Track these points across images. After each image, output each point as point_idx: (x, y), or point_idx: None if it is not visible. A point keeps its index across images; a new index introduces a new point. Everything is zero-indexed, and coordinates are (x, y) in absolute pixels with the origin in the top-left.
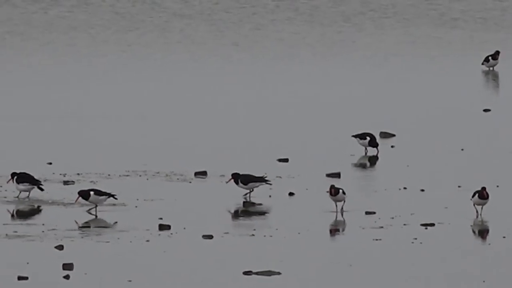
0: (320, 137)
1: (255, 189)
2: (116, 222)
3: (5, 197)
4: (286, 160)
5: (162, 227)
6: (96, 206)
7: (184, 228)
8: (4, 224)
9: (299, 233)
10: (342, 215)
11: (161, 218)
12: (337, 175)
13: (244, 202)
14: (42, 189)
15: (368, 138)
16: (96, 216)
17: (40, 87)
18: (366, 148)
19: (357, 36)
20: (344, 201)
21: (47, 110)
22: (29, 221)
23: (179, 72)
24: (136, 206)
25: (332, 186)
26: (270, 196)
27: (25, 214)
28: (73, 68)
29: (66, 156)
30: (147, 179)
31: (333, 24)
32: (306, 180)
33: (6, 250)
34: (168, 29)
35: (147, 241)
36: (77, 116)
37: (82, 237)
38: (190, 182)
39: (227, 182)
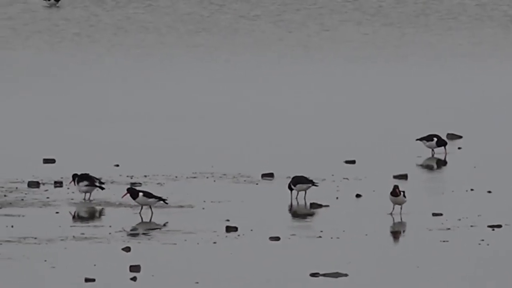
0: (387, 139)
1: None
2: (167, 223)
3: (72, 199)
4: (353, 162)
5: (229, 229)
6: (142, 208)
7: (251, 230)
8: (71, 226)
9: (366, 234)
10: (401, 218)
11: (228, 220)
12: (404, 176)
13: (311, 203)
14: (103, 188)
15: (435, 139)
16: (142, 219)
17: (108, 88)
18: (433, 150)
19: (423, 36)
20: (401, 206)
21: (115, 112)
22: (96, 223)
23: (246, 73)
24: (203, 208)
25: (396, 186)
26: (337, 198)
27: (92, 216)
28: (140, 70)
29: (133, 158)
30: (214, 181)
31: (399, 24)
32: (373, 182)
33: (73, 252)
34: (235, 31)
35: (214, 243)
36: (144, 117)
37: (149, 239)
38: (257, 184)
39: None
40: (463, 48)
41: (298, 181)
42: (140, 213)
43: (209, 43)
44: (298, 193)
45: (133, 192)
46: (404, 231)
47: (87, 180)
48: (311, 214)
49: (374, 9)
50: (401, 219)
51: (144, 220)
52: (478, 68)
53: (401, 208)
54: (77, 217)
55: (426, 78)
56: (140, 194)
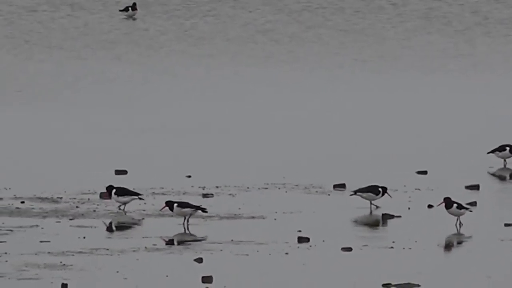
0: (459, 149)
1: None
2: (206, 236)
3: (144, 210)
4: (425, 173)
5: (301, 240)
6: (185, 217)
7: (323, 241)
8: (143, 237)
9: (438, 245)
10: (459, 230)
11: (300, 231)
12: (476, 187)
13: (383, 214)
14: (142, 199)
15: (508, 148)
16: (185, 230)
17: (180, 100)
18: (505, 160)
19: (491, 45)
20: (459, 218)
21: (187, 123)
22: (168, 234)
23: (315, 84)
24: (275, 219)
25: (446, 198)
26: (409, 208)
27: (164, 227)
28: (212, 81)
29: (205, 169)
30: (286, 191)
31: (466, 31)
32: (445, 193)
33: (145, 263)
34: (304, 40)
35: (286, 253)
36: (216, 129)
37: (221, 250)
38: (329, 195)
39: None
40: None
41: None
42: (183, 224)
43: (277, 53)
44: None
45: (169, 204)
46: (471, 242)
47: (126, 192)
48: (383, 225)
49: (444, 17)
50: (458, 231)
51: (206, 231)
52: None
53: (457, 220)
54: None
55: (494, 87)
56: (175, 205)
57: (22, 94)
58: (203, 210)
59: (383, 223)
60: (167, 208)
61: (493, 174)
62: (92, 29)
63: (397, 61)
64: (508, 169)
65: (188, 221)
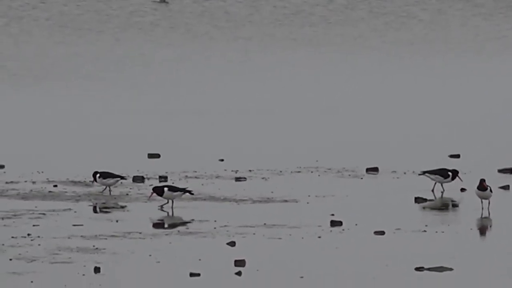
0: (491, 133)
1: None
2: (193, 220)
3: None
4: (457, 156)
5: (334, 223)
6: (172, 202)
7: (356, 224)
8: (175, 221)
9: (471, 229)
10: (488, 214)
11: (332, 214)
12: (509, 170)
13: (416, 198)
14: (125, 178)
15: None
16: (172, 213)
17: (213, 82)
18: None
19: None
20: (489, 202)
21: (219, 106)
22: (201, 218)
23: (345, 67)
24: (307, 203)
25: (483, 180)
26: (442, 191)
27: (197, 210)
28: (244, 64)
29: (237, 153)
30: (319, 175)
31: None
32: (478, 176)
33: (178, 246)
34: (336, 23)
35: (319, 237)
36: (249, 112)
37: (254, 233)
38: (362, 178)
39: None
40: None
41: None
42: (172, 207)
43: (312, 35)
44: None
45: (158, 190)
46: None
47: (109, 175)
48: (416, 208)
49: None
50: (488, 214)
51: (239, 215)
52: None
53: (488, 203)
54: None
55: None
56: (165, 189)
57: (55, 76)
58: (190, 192)
59: (416, 207)
60: (155, 194)
61: None
62: (126, 13)
63: (429, 45)
64: None
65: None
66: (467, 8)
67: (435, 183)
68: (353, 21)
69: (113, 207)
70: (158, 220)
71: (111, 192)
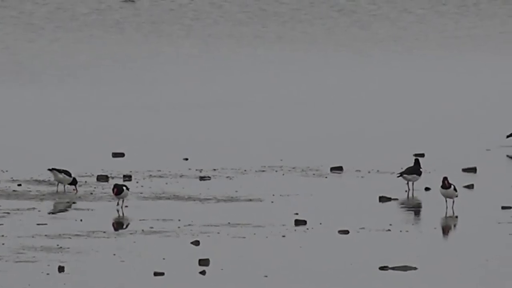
0: (456, 132)
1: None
2: (203, 219)
3: (141, 193)
4: (422, 155)
5: (298, 223)
6: (123, 201)
7: (320, 223)
8: (140, 220)
9: (435, 228)
10: (453, 213)
11: (297, 214)
12: (473, 170)
13: (380, 197)
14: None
15: None
16: (122, 213)
17: (177, 81)
18: None
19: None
20: (454, 201)
21: (184, 104)
22: (165, 217)
23: (316, 65)
24: (272, 202)
25: (445, 178)
26: (406, 191)
27: (161, 210)
28: (218, 60)
29: (202, 152)
30: (283, 174)
31: (482, 13)
32: (442, 175)
33: (142, 245)
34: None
35: (283, 236)
36: (213, 110)
37: (218, 233)
38: (326, 177)
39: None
40: None
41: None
42: (122, 207)
43: (272, 33)
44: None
45: (119, 188)
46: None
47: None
48: (380, 207)
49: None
50: (453, 213)
51: (203, 214)
52: None
53: (453, 202)
54: (146, 211)
55: (493, 69)
56: (124, 188)
57: (19, 75)
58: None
59: (380, 206)
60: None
61: (490, 157)
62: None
63: (397, 43)
64: (506, 151)
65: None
66: (430, 7)
67: (412, 183)
68: (320, 18)
69: (78, 206)
70: (122, 219)
71: (76, 191)
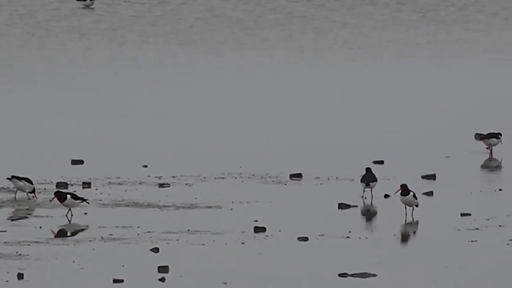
0: (415, 139)
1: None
2: (162, 226)
3: (101, 200)
4: (381, 162)
5: (258, 229)
6: (70, 209)
7: (280, 230)
8: (99, 227)
9: (394, 234)
10: (412, 220)
11: (256, 221)
12: (432, 177)
13: (339, 204)
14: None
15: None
16: (70, 221)
17: (137, 88)
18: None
19: (455, 34)
20: (414, 208)
21: (144, 112)
22: (124, 224)
23: (275, 71)
24: (231, 209)
25: (403, 185)
26: (365, 198)
27: (121, 217)
28: (179, 68)
29: (161, 159)
30: (243, 181)
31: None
32: (401, 182)
33: (101, 253)
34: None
35: (242, 243)
36: (173, 117)
37: (177, 240)
38: (285, 184)
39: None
40: (487, 45)
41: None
42: (67, 215)
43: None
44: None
45: (61, 195)
46: (428, 231)
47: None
48: (340, 214)
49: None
50: (412, 219)
51: (162, 221)
52: (502, 65)
53: (412, 209)
54: (106, 219)
55: (452, 77)
56: (68, 196)
57: None
58: (86, 201)
59: (339, 213)
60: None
61: (450, 164)
62: (50, 17)
63: (359, 49)
64: (465, 158)
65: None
66: (390, 13)
67: (371, 190)
68: (280, 24)
69: (37, 213)
70: (82, 226)
71: (35, 199)
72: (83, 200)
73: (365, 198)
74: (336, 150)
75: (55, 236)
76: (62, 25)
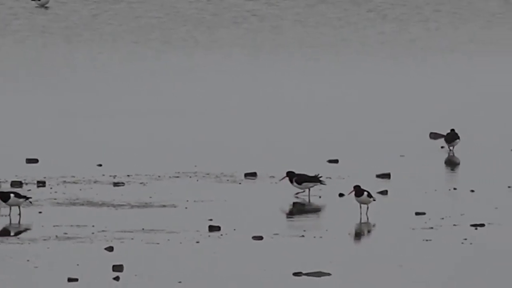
0: (370, 138)
1: (308, 189)
2: (117, 225)
3: (55, 199)
4: (336, 161)
5: (212, 228)
6: (19, 207)
7: (234, 229)
8: (54, 226)
9: (349, 234)
10: (367, 219)
11: (211, 220)
12: (387, 176)
13: (294, 203)
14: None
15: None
16: (19, 221)
17: (91, 86)
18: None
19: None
20: (368, 207)
21: (98, 110)
22: (79, 223)
23: (228, 71)
24: (186, 208)
25: (356, 186)
26: (320, 197)
27: (75, 215)
28: (135, 66)
29: (116, 158)
30: (197, 180)
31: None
32: (356, 181)
33: (56, 251)
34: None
35: (197, 242)
36: (127, 116)
37: (132, 239)
38: (240, 183)
39: (280, 180)
40: (447, 44)
41: (305, 179)
42: (10, 214)
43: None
44: (303, 191)
45: (3, 195)
46: (385, 230)
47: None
48: (294, 213)
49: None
50: (366, 218)
51: (117, 220)
52: (460, 65)
53: (367, 208)
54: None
55: (408, 76)
56: (12, 195)
57: None
58: (30, 200)
59: (294, 212)
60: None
61: (405, 163)
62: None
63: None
64: (420, 157)
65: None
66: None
67: (367, 208)
68: (236, 23)
69: None
70: (36, 225)
71: None
72: (27, 198)
73: (320, 197)
74: (291, 149)
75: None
76: (18, 23)
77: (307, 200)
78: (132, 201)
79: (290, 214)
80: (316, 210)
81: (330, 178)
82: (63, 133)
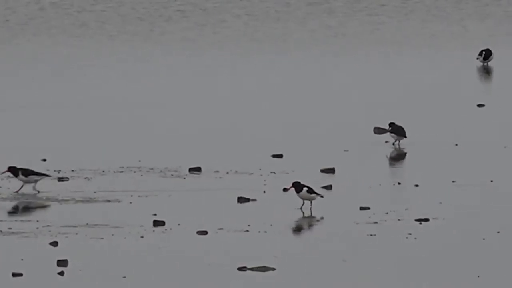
0: (314, 132)
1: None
2: (61, 220)
3: (0, 194)
4: (280, 156)
5: (157, 223)
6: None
7: (179, 224)
8: None
9: (293, 228)
10: (311, 214)
11: (155, 214)
12: (331, 170)
13: (238, 197)
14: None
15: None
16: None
17: (37, 78)
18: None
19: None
20: (312, 202)
21: (42, 103)
22: (23, 218)
23: (177, 65)
24: (130, 202)
25: (294, 183)
26: (264, 191)
27: (20, 210)
28: (83, 61)
29: (60, 152)
30: (141, 175)
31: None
32: (300, 176)
33: (0, 246)
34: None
35: (142, 237)
36: (71, 109)
37: (76, 233)
38: (184, 178)
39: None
40: (387, 39)
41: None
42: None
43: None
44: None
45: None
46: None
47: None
48: (239, 208)
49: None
50: (310, 213)
51: (61, 215)
52: (398, 59)
53: (311, 203)
54: (7, 212)
55: (352, 71)
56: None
57: None
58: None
59: (238, 207)
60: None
61: (349, 158)
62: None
63: (273, 44)
64: (364, 151)
65: None
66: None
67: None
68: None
69: None
70: None
71: None
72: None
73: (264, 192)
74: (235, 143)
75: None
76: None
77: (252, 196)
78: (77, 196)
79: (234, 209)
80: (260, 204)
81: (274, 173)
82: (6, 127)
